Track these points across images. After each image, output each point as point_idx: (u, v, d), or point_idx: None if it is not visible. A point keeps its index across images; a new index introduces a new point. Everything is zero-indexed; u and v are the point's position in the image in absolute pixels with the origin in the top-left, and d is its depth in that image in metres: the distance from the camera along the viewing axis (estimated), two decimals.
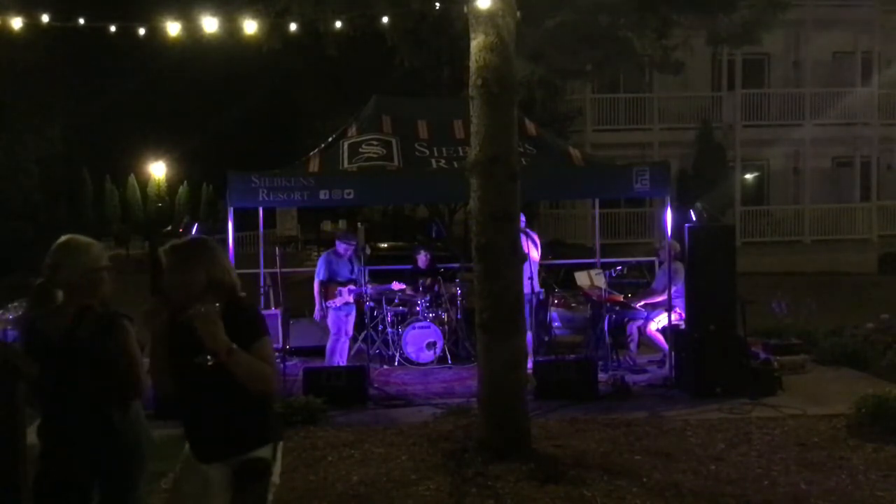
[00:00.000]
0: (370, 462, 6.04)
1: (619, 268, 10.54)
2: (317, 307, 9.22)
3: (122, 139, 39.31)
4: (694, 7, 7.66)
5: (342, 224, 32.27)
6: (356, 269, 9.16)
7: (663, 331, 8.91)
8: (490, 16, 5.93)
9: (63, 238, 3.51)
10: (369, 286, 9.37)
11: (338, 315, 9.08)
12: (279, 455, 3.24)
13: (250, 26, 6.89)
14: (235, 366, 3.00)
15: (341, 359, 9.11)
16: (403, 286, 9.90)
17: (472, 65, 6.09)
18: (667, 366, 8.67)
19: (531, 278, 8.50)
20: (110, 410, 3.41)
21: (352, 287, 9.07)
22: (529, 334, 7.97)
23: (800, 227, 22.75)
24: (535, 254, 9.02)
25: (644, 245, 18.01)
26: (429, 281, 10.04)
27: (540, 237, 9.64)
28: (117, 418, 3.41)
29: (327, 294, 9.07)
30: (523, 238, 8.96)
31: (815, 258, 21.60)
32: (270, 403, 3.26)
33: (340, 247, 9.24)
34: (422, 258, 10.39)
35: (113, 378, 3.39)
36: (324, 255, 9.51)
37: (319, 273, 9.16)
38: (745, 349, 7.98)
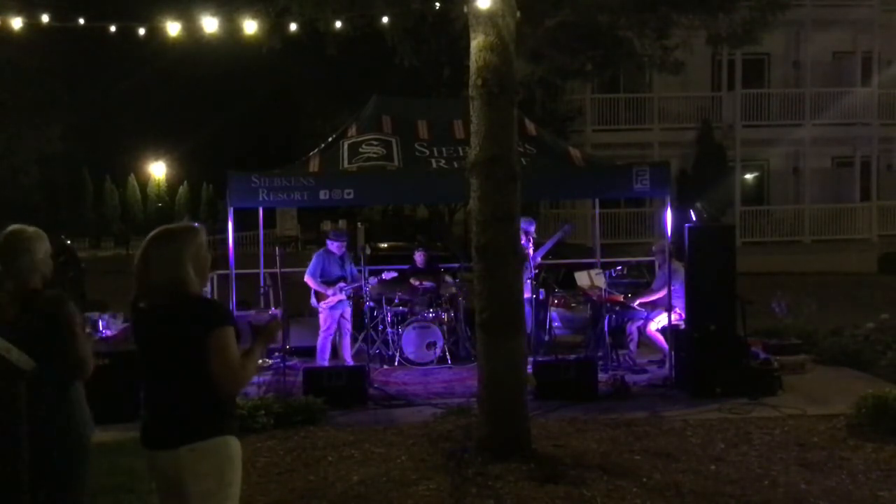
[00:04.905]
0: (370, 462, 6.04)
1: (619, 268, 10.53)
2: (324, 291, 9.18)
3: (122, 139, 39.42)
4: (694, 7, 7.66)
5: (342, 224, 32.25)
6: (348, 268, 9.23)
7: (663, 331, 8.91)
8: (490, 16, 5.93)
9: (10, 228, 3.57)
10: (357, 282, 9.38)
11: (330, 313, 9.15)
12: None
13: (250, 26, 6.90)
14: None
15: (345, 357, 9.21)
16: (395, 274, 9.90)
17: (472, 65, 6.09)
18: (667, 366, 8.67)
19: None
20: (53, 392, 3.42)
21: (342, 284, 9.13)
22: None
23: (800, 227, 22.75)
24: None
25: (644, 245, 17.98)
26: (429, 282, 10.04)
27: (540, 237, 9.63)
28: (56, 399, 3.42)
29: (318, 296, 9.15)
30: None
31: (815, 258, 21.57)
32: None
33: (332, 245, 9.29)
34: (419, 257, 10.40)
35: (59, 360, 3.41)
36: (318, 253, 9.53)
37: (310, 270, 9.22)
38: (745, 349, 7.97)
